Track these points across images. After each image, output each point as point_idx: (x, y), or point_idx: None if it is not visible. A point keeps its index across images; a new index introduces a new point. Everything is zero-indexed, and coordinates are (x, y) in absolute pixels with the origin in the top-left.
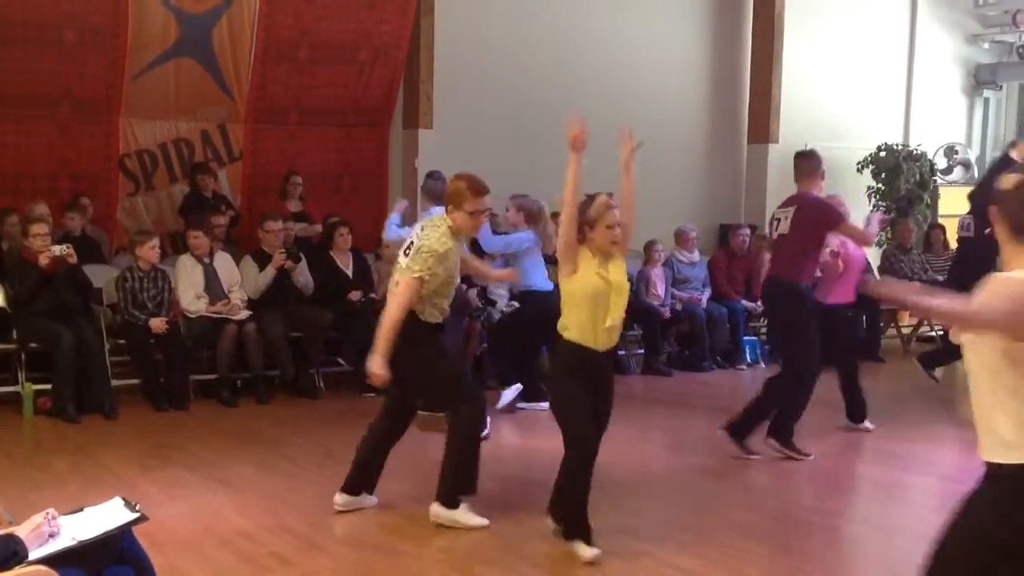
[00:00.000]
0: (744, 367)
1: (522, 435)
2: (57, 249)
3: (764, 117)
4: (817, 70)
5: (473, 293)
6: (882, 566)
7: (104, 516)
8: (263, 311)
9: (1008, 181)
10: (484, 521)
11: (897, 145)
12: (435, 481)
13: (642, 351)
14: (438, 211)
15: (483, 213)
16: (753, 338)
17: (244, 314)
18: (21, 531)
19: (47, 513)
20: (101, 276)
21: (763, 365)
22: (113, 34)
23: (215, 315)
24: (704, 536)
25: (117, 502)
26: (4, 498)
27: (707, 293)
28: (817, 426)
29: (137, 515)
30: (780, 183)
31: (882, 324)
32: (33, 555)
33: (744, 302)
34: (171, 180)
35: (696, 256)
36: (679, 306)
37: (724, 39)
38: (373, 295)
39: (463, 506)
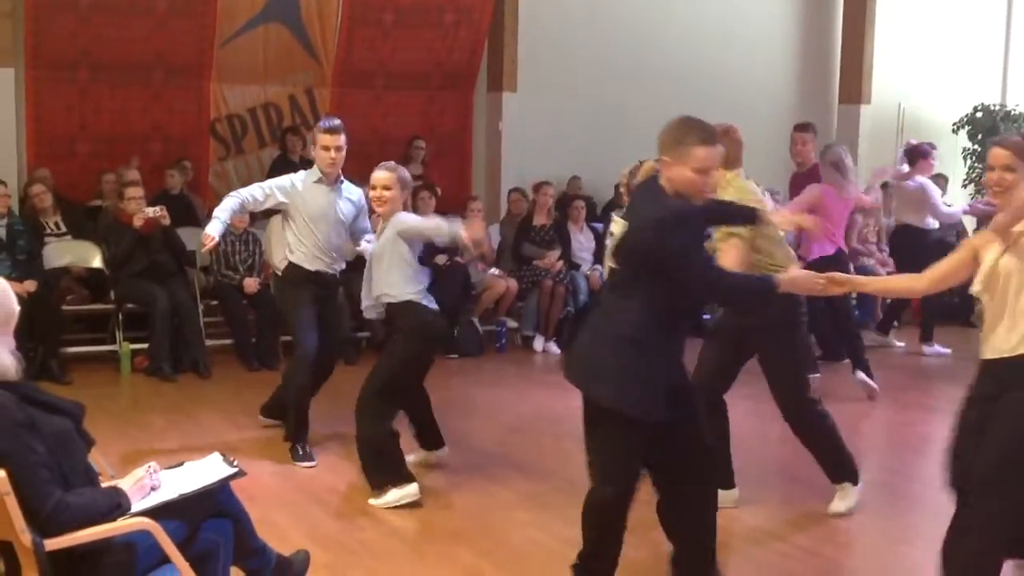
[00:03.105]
0: None
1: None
2: (151, 210)
3: (856, 77)
4: (910, 28)
5: (555, 257)
6: None
7: (203, 471)
8: (351, 275)
9: None
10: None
11: (994, 105)
12: (522, 447)
13: None
14: None
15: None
16: None
17: None
18: (124, 484)
19: (149, 467)
20: (195, 239)
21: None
22: (203, 0)
23: None
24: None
25: (216, 457)
26: (104, 453)
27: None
28: None
29: (235, 470)
30: (872, 145)
31: None
32: (136, 507)
33: None
34: (260, 144)
35: None
36: None
37: None
38: (459, 258)
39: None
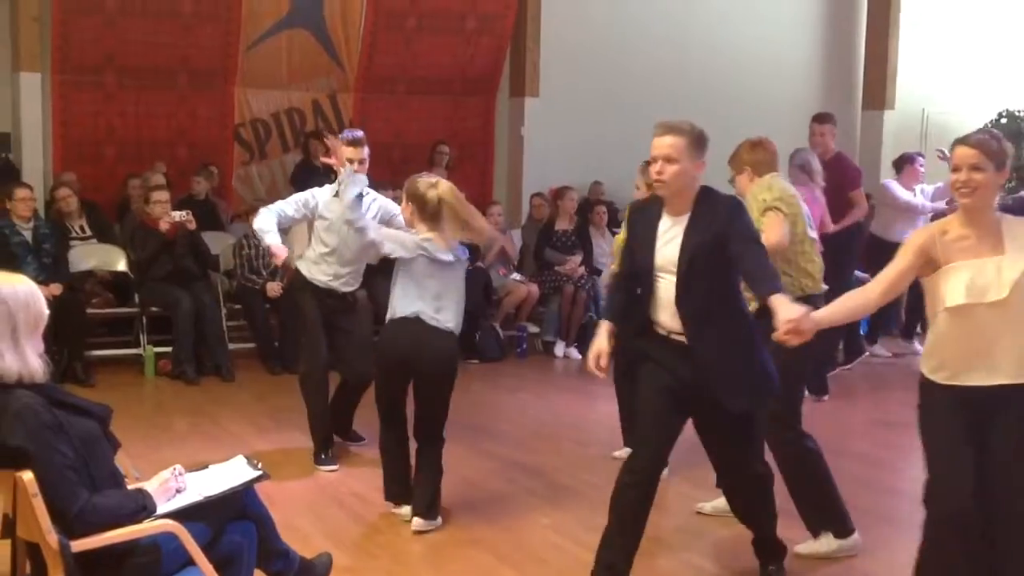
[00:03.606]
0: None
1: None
2: (177, 215)
3: (880, 83)
4: (934, 33)
5: (577, 262)
6: None
7: (228, 473)
8: (373, 279)
9: None
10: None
11: (1019, 111)
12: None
13: None
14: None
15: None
16: None
17: None
18: (149, 486)
19: (174, 469)
20: (218, 243)
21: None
22: (228, 6)
23: None
24: None
25: (240, 460)
26: (128, 455)
27: None
28: None
29: (259, 473)
30: (895, 151)
31: None
32: (161, 509)
33: (857, 273)
34: (283, 149)
35: None
36: None
37: (838, 2)
38: (480, 263)
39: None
